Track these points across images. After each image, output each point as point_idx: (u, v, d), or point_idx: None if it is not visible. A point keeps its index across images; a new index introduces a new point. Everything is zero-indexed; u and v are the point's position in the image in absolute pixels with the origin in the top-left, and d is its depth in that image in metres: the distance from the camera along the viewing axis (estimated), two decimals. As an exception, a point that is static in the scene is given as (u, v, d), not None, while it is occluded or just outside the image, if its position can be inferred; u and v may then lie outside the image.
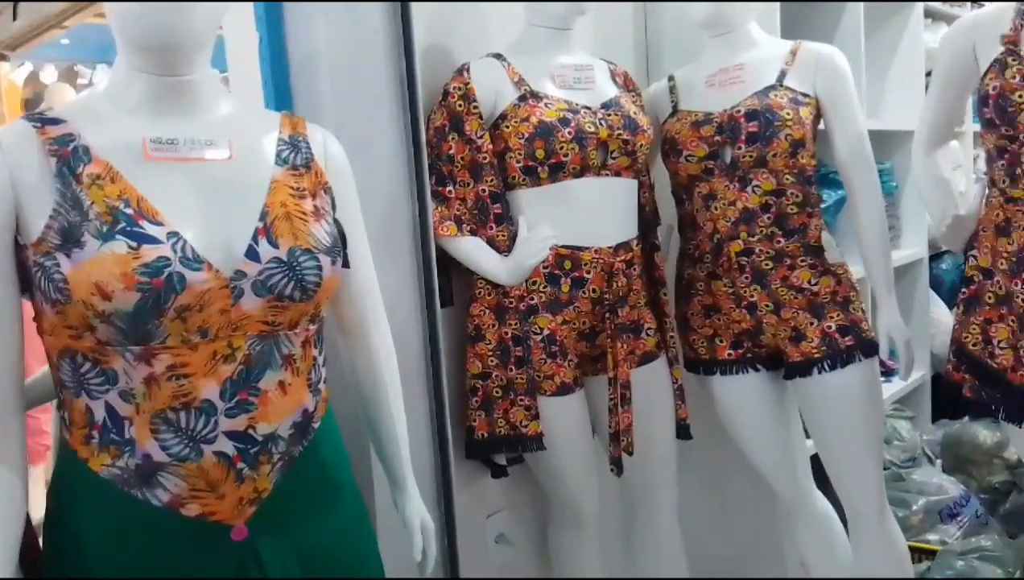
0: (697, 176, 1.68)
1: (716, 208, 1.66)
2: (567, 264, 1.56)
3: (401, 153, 1.54)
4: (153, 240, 0.91)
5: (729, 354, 1.74)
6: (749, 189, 1.63)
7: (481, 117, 1.54)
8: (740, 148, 1.62)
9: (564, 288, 1.57)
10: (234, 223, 0.97)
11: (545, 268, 1.56)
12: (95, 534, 0.96)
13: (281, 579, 1.01)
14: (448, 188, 1.57)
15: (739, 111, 1.63)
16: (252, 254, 0.96)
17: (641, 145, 1.61)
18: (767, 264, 1.65)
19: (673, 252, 1.84)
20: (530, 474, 1.71)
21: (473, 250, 1.57)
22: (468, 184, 1.56)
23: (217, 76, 1.04)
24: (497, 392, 1.58)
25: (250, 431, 0.97)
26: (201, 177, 0.98)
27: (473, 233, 1.58)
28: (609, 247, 1.58)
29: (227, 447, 0.95)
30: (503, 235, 1.56)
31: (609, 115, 1.58)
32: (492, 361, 1.58)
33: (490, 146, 1.54)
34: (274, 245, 0.97)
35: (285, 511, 1.02)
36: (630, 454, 1.60)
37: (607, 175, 1.59)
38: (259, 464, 0.98)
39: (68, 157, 0.93)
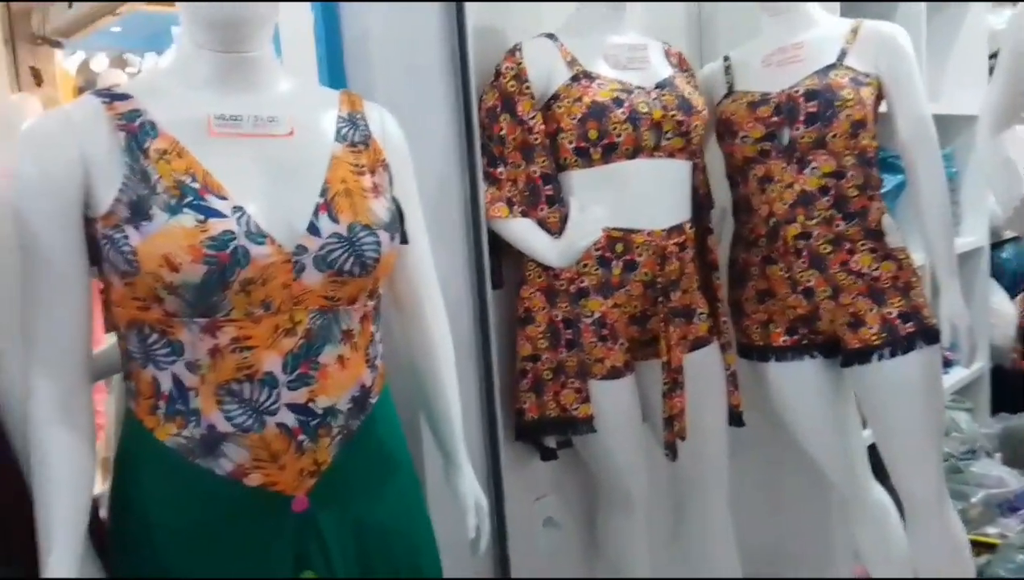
0: (753, 158, 1.65)
1: (772, 191, 1.63)
2: (619, 247, 1.55)
3: (453, 134, 1.54)
4: (219, 214, 0.92)
5: (784, 340, 1.71)
6: (807, 171, 1.59)
7: (533, 97, 1.53)
8: (798, 129, 1.58)
9: (615, 271, 1.55)
10: (295, 199, 0.97)
11: (596, 250, 1.54)
12: (160, 502, 0.97)
13: (339, 552, 1.01)
14: (499, 169, 1.56)
15: (798, 91, 1.59)
16: (313, 229, 0.96)
17: (695, 126, 1.59)
18: (825, 248, 1.61)
19: (727, 236, 1.81)
20: (578, 458, 1.71)
21: (524, 232, 1.57)
22: (520, 165, 1.56)
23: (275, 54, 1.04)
24: (547, 374, 1.58)
25: (310, 404, 0.97)
26: (263, 153, 0.99)
27: (524, 215, 1.57)
28: (662, 230, 1.56)
29: (288, 419, 0.96)
30: (554, 217, 1.55)
31: (663, 95, 1.56)
32: (542, 343, 1.58)
33: (542, 127, 1.53)
34: (335, 220, 0.97)
35: (344, 484, 1.02)
36: (683, 439, 1.58)
37: (660, 156, 1.56)
38: (319, 437, 0.99)
39: (136, 132, 0.94)
